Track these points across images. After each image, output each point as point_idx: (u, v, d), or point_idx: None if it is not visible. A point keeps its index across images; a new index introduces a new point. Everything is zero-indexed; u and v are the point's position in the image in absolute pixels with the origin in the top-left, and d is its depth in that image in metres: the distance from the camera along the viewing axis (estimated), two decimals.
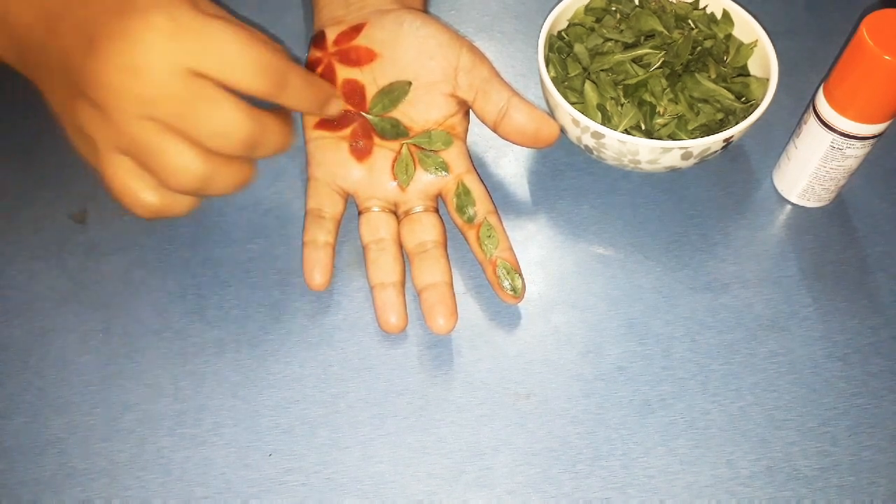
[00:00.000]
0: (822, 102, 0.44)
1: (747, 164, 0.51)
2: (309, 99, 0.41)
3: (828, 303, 0.46)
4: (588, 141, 0.47)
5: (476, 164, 0.49)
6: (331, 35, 0.48)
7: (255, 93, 0.37)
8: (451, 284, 0.45)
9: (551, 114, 0.49)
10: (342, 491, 0.41)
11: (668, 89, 0.47)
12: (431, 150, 0.47)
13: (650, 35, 0.50)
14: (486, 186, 0.48)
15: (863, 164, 0.46)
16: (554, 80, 0.49)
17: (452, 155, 0.47)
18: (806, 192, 0.48)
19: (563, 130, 0.48)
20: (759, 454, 0.41)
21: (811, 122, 0.45)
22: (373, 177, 0.47)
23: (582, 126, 0.46)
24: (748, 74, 0.50)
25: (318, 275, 0.45)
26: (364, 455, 0.41)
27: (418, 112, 0.47)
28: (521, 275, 0.45)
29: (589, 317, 0.46)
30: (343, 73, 0.47)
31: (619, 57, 0.48)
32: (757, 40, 0.49)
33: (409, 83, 0.47)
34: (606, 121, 0.47)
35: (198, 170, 0.36)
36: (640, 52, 0.48)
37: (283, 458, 0.41)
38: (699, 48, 0.49)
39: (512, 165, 0.51)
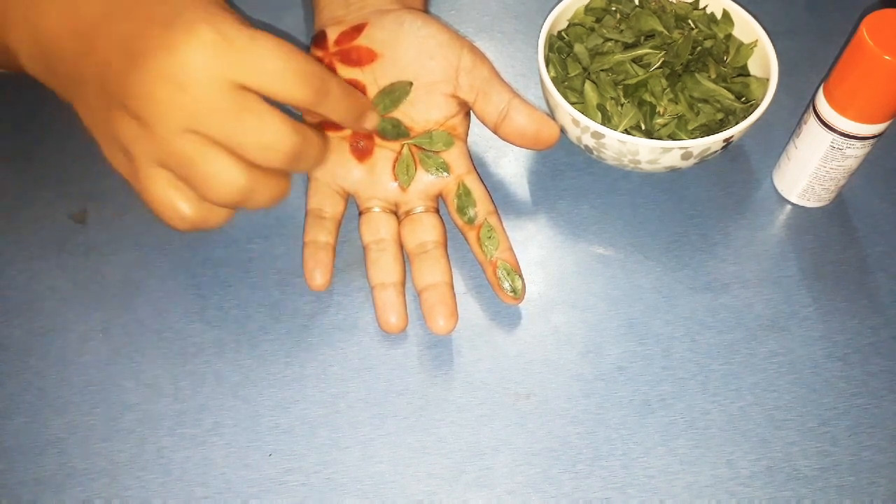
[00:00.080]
0: (822, 102, 0.44)
1: (747, 164, 0.51)
2: (347, 108, 0.41)
3: (828, 303, 0.46)
4: (588, 141, 0.47)
5: (476, 165, 0.49)
6: (332, 35, 0.48)
7: (298, 102, 0.37)
8: (452, 285, 0.45)
9: (551, 114, 0.49)
10: (342, 491, 0.41)
11: (668, 89, 0.47)
12: (432, 151, 0.47)
13: (650, 35, 0.50)
14: (486, 187, 0.48)
15: (863, 164, 0.46)
16: (554, 80, 0.49)
17: (453, 155, 0.47)
18: (806, 192, 0.48)
19: (563, 130, 0.48)
20: (759, 454, 0.41)
21: (811, 122, 0.45)
22: (374, 177, 0.47)
23: (582, 126, 0.46)
24: (748, 74, 0.50)
25: (318, 275, 0.45)
26: (364, 455, 0.41)
27: (419, 112, 0.47)
28: (521, 276, 0.45)
29: (589, 317, 0.46)
30: (344, 73, 0.47)
31: (619, 57, 0.48)
32: (757, 40, 0.49)
33: (410, 83, 0.47)
34: (606, 121, 0.47)
35: (241, 183, 0.36)
36: (640, 52, 0.48)
37: (283, 458, 0.41)
38: (699, 48, 0.49)
39: (512, 165, 0.51)
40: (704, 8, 0.52)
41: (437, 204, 0.48)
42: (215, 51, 0.34)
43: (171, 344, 0.45)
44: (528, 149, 0.48)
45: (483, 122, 0.48)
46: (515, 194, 0.50)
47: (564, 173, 0.51)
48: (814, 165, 0.46)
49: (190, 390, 0.43)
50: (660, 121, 0.47)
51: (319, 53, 0.48)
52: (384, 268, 0.45)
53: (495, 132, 0.47)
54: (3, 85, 0.48)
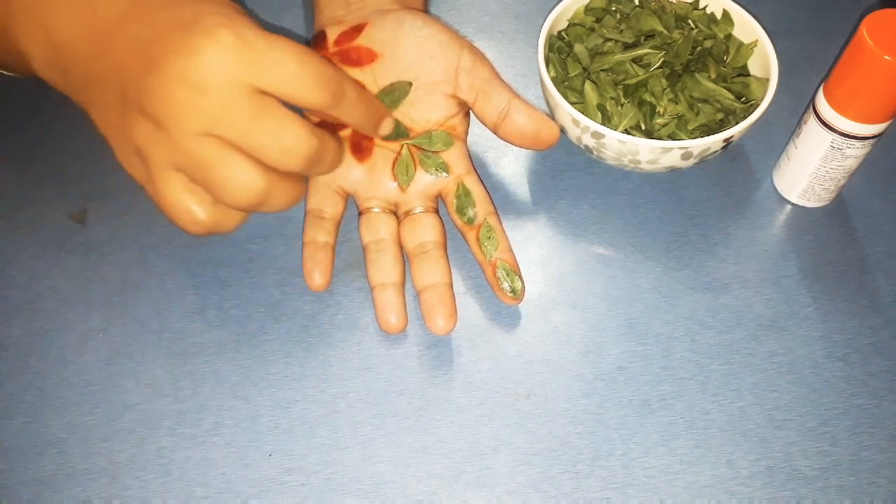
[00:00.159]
0: (822, 102, 0.44)
1: (747, 164, 0.51)
2: (363, 112, 0.41)
3: (828, 303, 0.46)
4: (588, 141, 0.47)
5: (476, 165, 0.49)
6: (331, 35, 0.48)
7: (315, 105, 0.37)
8: (451, 285, 0.45)
9: (551, 114, 0.49)
10: (342, 491, 0.41)
11: (668, 89, 0.47)
12: (432, 151, 0.47)
13: (650, 35, 0.50)
14: (486, 187, 0.48)
15: (863, 164, 0.46)
16: (554, 80, 0.49)
17: (453, 156, 0.47)
18: (806, 192, 0.48)
19: (563, 130, 0.48)
20: (759, 454, 0.41)
21: (811, 122, 0.45)
22: (373, 177, 0.47)
23: (582, 126, 0.46)
24: (748, 74, 0.50)
25: (318, 275, 0.45)
26: (364, 455, 0.41)
27: (419, 112, 0.47)
28: (520, 276, 0.45)
29: (589, 317, 0.46)
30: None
31: (619, 57, 0.48)
32: (757, 40, 0.49)
33: (410, 83, 0.47)
34: (606, 121, 0.47)
35: (259, 186, 0.36)
36: (640, 52, 0.48)
37: (283, 458, 0.41)
38: (699, 48, 0.49)
39: (512, 166, 0.51)
40: (704, 8, 0.52)
41: (437, 204, 0.48)
42: (235, 55, 0.34)
43: (171, 344, 0.45)
44: (528, 149, 0.48)
45: (483, 122, 0.48)
46: (515, 194, 0.50)
47: (564, 173, 0.51)
48: (814, 165, 0.46)
49: (190, 390, 0.43)
50: (660, 121, 0.47)
51: (319, 53, 0.48)
52: (384, 268, 0.45)
53: (495, 132, 0.47)
54: (4, 85, 0.48)
